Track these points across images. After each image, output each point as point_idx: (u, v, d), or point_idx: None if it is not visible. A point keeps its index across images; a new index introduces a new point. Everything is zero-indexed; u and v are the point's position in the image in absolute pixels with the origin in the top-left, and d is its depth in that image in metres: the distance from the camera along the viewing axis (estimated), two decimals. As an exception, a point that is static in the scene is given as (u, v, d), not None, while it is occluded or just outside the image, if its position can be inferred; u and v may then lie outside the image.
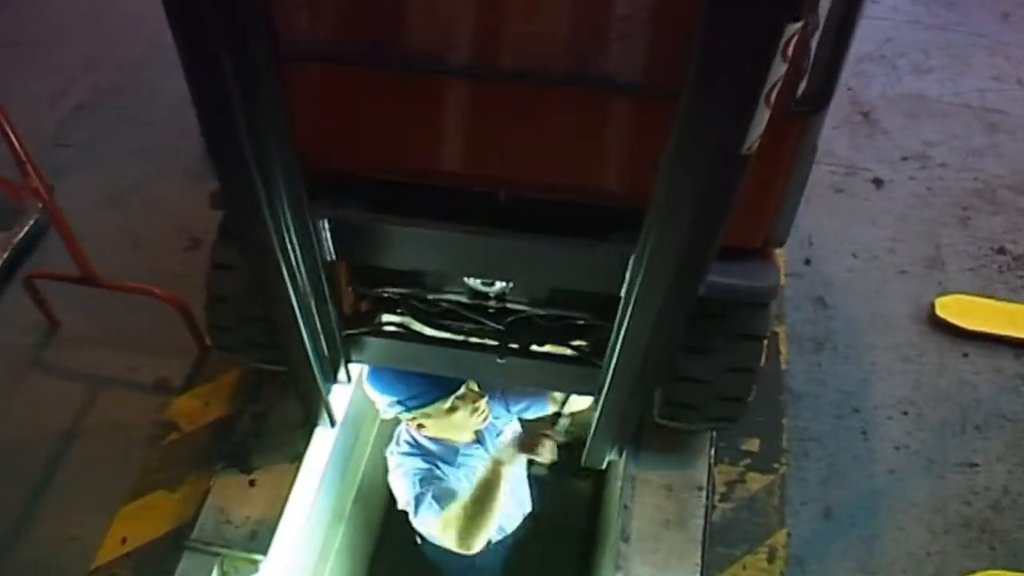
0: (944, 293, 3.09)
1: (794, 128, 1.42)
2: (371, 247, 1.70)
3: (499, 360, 2.01)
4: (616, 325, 1.59)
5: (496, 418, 2.25)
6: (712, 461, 2.47)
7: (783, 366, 2.81)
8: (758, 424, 2.59)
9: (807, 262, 3.19)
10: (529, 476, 2.49)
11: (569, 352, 2.07)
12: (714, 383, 2.05)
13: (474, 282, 1.92)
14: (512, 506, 2.30)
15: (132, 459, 2.51)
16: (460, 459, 2.14)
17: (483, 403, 2.07)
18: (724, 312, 1.88)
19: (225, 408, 2.65)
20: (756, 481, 2.47)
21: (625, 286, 1.52)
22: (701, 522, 2.33)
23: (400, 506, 2.08)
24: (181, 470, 2.48)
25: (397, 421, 2.19)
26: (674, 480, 2.41)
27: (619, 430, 1.99)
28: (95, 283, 2.59)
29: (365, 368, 2.13)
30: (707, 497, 2.39)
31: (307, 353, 1.83)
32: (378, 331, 2.11)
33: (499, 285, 1.91)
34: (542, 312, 1.96)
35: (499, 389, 2.29)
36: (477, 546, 1.94)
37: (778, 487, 2.46)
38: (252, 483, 2.44)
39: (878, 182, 3.64)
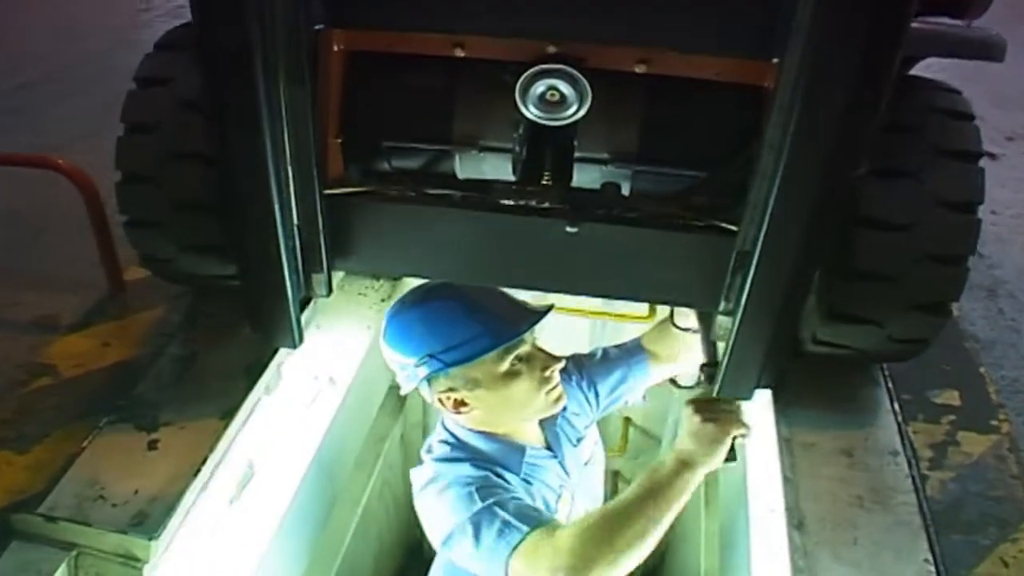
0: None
1: None
2: None
3: (569, 229, 1.27)
4: (769, 138, 1.01)
5: (576, 414, 1.32)
6: (900, 418, 1.57)
7: (955, 312, 1.98)
8: (947, 374, 1.76)
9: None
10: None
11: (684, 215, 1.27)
12: (920, 229, 1.36)
13: (532, 110, 1.23)
14: None
15: (-30, 412, 1.56)
16: (527, 469, 1.19)
17: (555, 370, 1.17)
18: (920, 122, 1.40)
19: (131, 351, 1.74)
20: (974, 443, 1.57)
21: (794, 37, 0.94)
22: (913, 498, 1.41)
23: (439, 541, 1.09)
24: (43, 426, 1.55)
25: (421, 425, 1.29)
26: (852, 442, 1.53)
27: (775, 333, 1.19)
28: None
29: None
30: (910, 465, 1.47)
31: (271, 211, 1.17)
32: (374, 190, 1.35)
33: (570, 103, 1.22)
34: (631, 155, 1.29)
35: (576, 368, 1.38)
36: None
37: (1008, 450, 1.55)
38: (153, 444, 1.50)
39: (991, 155, 3.12)
